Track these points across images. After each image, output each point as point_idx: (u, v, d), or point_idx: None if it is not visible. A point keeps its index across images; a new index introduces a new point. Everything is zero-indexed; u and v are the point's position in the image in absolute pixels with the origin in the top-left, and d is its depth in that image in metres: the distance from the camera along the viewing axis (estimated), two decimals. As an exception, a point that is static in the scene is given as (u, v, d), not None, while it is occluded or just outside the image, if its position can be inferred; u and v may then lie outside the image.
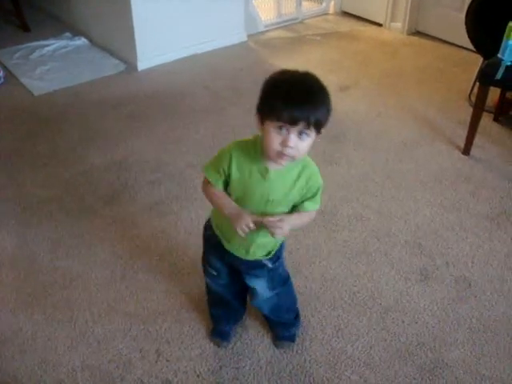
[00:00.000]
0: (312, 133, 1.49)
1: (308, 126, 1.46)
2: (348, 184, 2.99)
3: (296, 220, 1.69)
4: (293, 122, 1.45)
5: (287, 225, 1.61)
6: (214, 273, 1.96)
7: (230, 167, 1.64)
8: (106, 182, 3.02)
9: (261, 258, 1.81)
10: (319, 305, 2.27)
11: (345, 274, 2.42)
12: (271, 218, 1.61)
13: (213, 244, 1.88)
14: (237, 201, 1.68)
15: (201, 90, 4.01)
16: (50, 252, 2.55)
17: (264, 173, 1.61)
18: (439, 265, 2.47)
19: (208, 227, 1.89)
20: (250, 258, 1.80)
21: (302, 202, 1.68)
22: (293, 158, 1.52)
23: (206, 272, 2.01)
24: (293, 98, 1.44)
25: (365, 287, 2.36)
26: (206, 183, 1.73)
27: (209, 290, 2.09)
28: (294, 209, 1.70)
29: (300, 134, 1.47)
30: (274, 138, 1.49)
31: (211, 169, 1.69)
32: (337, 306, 2.27)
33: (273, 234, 1.61)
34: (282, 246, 1.87)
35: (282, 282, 1.98)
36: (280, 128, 1.47)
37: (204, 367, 2.03)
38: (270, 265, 1.84)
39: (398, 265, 2.47)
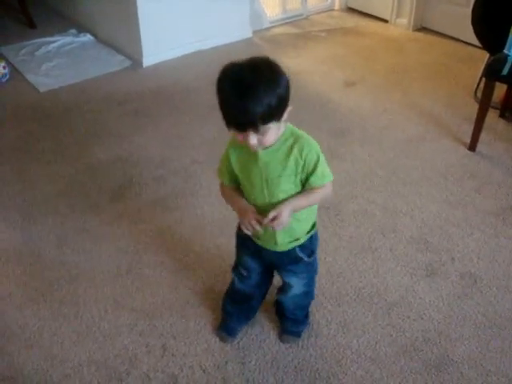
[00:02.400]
0: (271, 125, 1.50)
1: (257, 127, 1.47)
2: (353, 180, 2.99)
3: (300, 201, 1.68)
4: (241, 130, 1.50)
5: (284, 217, 1.63)
6: (245, 273, 1.97)
7: (230, 162, 1.72)
8: (111, 177, 3.03)
9: (293, 245, 1.80)
10: (325, 300, 2.27)
11: (350, 270, 2.42)
12: (266, 219, 1.64)
13: (246, 242, 1.89)
14: (247, 192, 1.73)
15: (206, 86, 3.98)
16: (56, 247, 2.56)
17: (254, 155, 1.63)
18: (445, 261, 2.47)
19: (240, 227, 1.87)
20: (283, 248, 1.80)
21: (308, 178, 1.66)
22: (260, 147, 1.57)
23: (235, 272, 2.02)
24: (232, 106, 1.47)
25: (370, 283, 2.36)
26: (221, 185, 1.81)
27: (232, 288, 2.09)
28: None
29: (257, 132, 1.49)
30: (238, 137, 1.55)
31: (220, 169, 1.78)
32: (342, 302, 2.27)
33: (274, 229, 1.66)
34: (314, 240, 1.87)
35: (314, 278, 2.01)
36: (238, 132, 1.52)
37: (210, 362, 2.03)
38: (305, 258, 1.85)
39: (404, 260, 2.47)
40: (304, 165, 1.63)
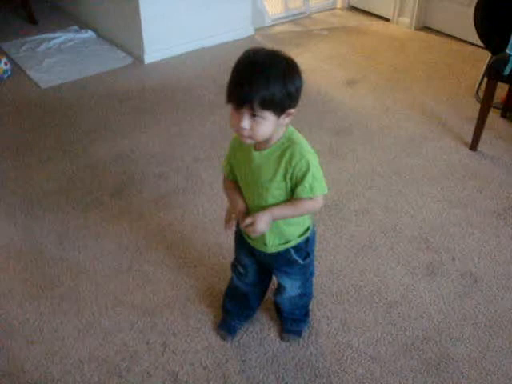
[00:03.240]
0: (268, 115, 1.48)
1: (253, 107, 1.45)
2: (354, 178, 2.99)
3: (282, 211, 1.66)
4: (239, 104, 1.47)
5: (259, 225, 1.62)
6: (242, 270, 1.98)
7: (230, 156, 1.74)
8: (112, 174, 3.03)
9: (284, 247, 1.79)
10: (325, 298, 2.28)
11: (351, 268, 2.42)
12: (242, 224, 1.65)
13: (242, 240, 1.89)
14: (242, 188, 1.74)
15: (208, 84, 4.01)
16: (57, 244, 2.56)
17: (250, 156, 1.63)
18: (445, 260, 2.47)
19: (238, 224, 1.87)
20: (273, 250, 1.79)
21: (295, 188, 1.62)
22: (251, 139, 1.54)
23: (233, 269, 2.03)
24: (238, 79, 1.46)
25: (371, 281, 2.36)
26: (224, 178, 1.81)
27: (231, 285, 2.10)
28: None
29: (254, 116, 1.48)
30: (232, 118, 1.53)
31: (225, 162, 1.78)
32: (343, 300, 2.27)
33: (249, 234, 1.68)
34: (310, 242, 1.84)
35: (311, 280, 2.00)
36: (235, 109, 1.50)
37: (210, 359, 2.03)
38: (300, 261, 1.84)
39: (404, 259, 2.47)
40: (293, 173, 1.59)
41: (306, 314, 2.15)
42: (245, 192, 1.73)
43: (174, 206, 2.79)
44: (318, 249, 2.47)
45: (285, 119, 1.54)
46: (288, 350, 2.07)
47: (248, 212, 1.71)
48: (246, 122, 1.49)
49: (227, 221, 1.76)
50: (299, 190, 1.60)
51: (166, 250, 2.51)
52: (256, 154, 1.62)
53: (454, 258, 2.48)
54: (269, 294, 2.16)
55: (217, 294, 2.25)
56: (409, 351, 2.06)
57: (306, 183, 1.58)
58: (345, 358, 2.04)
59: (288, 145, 1.59)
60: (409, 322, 2.18)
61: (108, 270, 2.42)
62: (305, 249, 1.83)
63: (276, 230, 1.72)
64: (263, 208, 1.66)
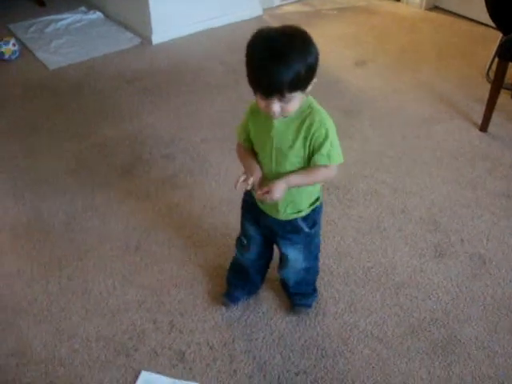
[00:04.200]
0: (297, 94, 1.50)
1: (283, 94, 1.46)
2: (363, 159, 2.97)
3: (298, 179, 1.67)
4: (268, 95, 1.49)
5: (276, 193, 1.63)
6: (245, 242, 1.99)
7: (248, 122, 1.73)
8: (120, 155, 3.03)
9: (294, 216, 1.80)
10: (333, 279, 2.27)
11: (359, 250, 2.42)
12: (259, 191, 1.66)
13: (249, 207, 1.90)
14: (259, 155, 1.74)
15: (216, 65, 3.98)
16: (65, 224, 2.56)
17: (270, 123, 1.63)
18: (454, 242, 2.46)
19: (247, 192, 1.88)
20: (284, 217, 1.80)
21: (313, 154, 1.63)
22: (282, 116, 1.56)
23: (237, 241, 2.06)
24: (260, 68, 1.46)
25: (378, 263, 2.35)
26: (238, 144, 1.80)
27: (234, 260, 2.13)
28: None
29: (281, 99, 1.49)
30: (261, 103, 1.54)
31: (239, 128, 1.77)
32: (350, 281, 2.27)
33: (264, 201, 1.68)
34: (317, 211, 1.86)
35: (315, 254, 2.00)
36: (264, 98, 1.51)
37: (217, 339, 2.04)
38: (306, 229, 1.84)
39: (413, 241, 2.46)
40: (311, 139, 1.61)
41: (314, 290, 2.15)
42: (261, 158, 1.73)
43: (181, 187, 2.78)
44: (326, 230, 2.47)
45: (309, 88, 1.55)
46: (295, 330, 2.07)
47: (264, 178, 1.71)
48: (276, 108, 1.51)
49: (242, 181, 1.69)
50: (317, 157, 1.62)
51: (174, 230, 2.51)
52: (276, 121, 1.61)
53: (462, 240, 2.47)
54: (276, 275, 2.15)
55: (224, 274, 2.24)
56: (416, 333, 2.06)
57: (324, 151, 1.61)
58: (351, 338, 2.04)
59: (309, 112, 1.61)
60: (416, 304, 2.17)
61: (116, 249, 2.42)
62: (312, 217, 1.84)
63: (289, 198, 1.73)
64: (280, 174, 1.66)
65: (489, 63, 3.76)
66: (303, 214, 1.81)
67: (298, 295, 2.13)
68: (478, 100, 3.42)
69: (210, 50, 4.22)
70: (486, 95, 3.15)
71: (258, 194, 1.68)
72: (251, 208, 1.88)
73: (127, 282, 2.27)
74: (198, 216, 2.59)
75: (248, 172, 1.70)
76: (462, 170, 2.90)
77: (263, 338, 2.04)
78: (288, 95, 1.47)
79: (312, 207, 1.82)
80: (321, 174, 1.68)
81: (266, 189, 1.64)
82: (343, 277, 2.29)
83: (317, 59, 1.50)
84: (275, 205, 1.76)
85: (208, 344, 2.02)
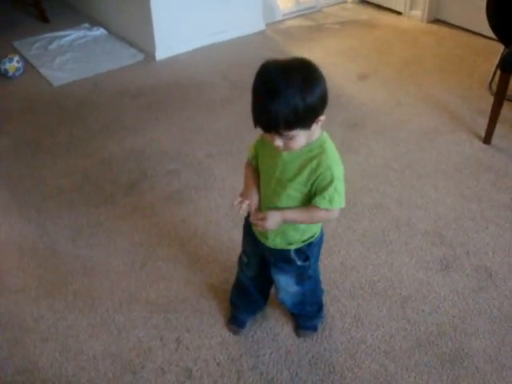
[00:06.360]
0: (297, 132, 1.47)
1: (279, 132, 1.46)
2: (367, 173, 2.98)
3: (295, 216, 1.66)
4: (266, 131, 1.49)
5: (269, 223, 1.63)
6: (245, 260, 1.98)
7: (259, 144, 1.72)
8: (125, 171, 3.03)
9: (283, 247, 1.79)
10: (339, 294, 2.27)
11: (364, 264, 2.41)
12: (253, 216, 1.67)
13: (247, 229, 1.90)
14: (260, 177, 1.74)
15: (219, 80, 4.00)
16: (71, 241, 2.57)
17: (279, 152, 1.61)
18: (459, 254, 2.45)
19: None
20: (272, 245, 1.79)
21: (315, 196, 1.61)
22: (288, 151, 1.56)
23: (239, 260, 2.04)
24: (258, 104, 1.46)
25: (384, 276, 2.35)
26: (247, 161, 1.80)
27: (236, 279, 2.11)
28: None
29: (280, 136, 1.48)
30: (266, 135, 1.53)
31: (252, 145, 1.76)
32: (356, 295, 2.26)
33: (255, 227, 1.70)
34: (313, 245, 1.82)
35: (309, 281, 1.96)
36: (264, 132, 1.52)
37: (224, 355, 2.03)
38: (298, 262, 1.82)
39: (418, 254, 2.46)
40: (315, 181, 1.59)
41: (320, 310, 2.13)
42: (262, 183, 1.73)
43: (186, 202, 2.79)
44: (331, 244, 2.47)
45: (316, 126, 1.54)
46: (302, 345, 2.07)
47: (260, 204, 1.72)
48: (278, 142, 1.51)
49: (236, 204, 1.68)
50: (318, 199, 1.60)
51: (179, 246, 2.52)
52: (286, 152, 1.60)
53: (468, 253, 2.46)
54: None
55: (230, 289, 2.24)
56: (423, 346, 2.05)
57: (327, 195, 1.58)
58: (359, 353, 2.04)
59: (318, 152, 1.58)
60: (423, 317, 2.17)
61: (121, 266, 2.43)
62: (306, 251, 1.81)
63: (279, 228, 1.70)
64: (275, 204, 1.66)
65: (491, 75, 3.77)
66: (294, 246, 1.78)
67: (302, 317, 2.12)
68: (481, 112, 3.42)
69: (214, 65, 4.24)
70: (489, 107, 3.16)
71: (251, 219, 1.69)
72: (249, 231, 1.87)
73: (133, 299, 2.27)
74: (204, 231, 2.60)
75: (245, 196, 1.70)
76: (467, 182, 2.90)
77: (270, 354, 2.04)
78: (286, 133, 1.46)
79: (305, 243, 1.79)
80: (319, 216, 1.66)
81: (261, 215, 1.65)
82: (349, 291, 2.28)
83: (321, 98, 1.48)
84: (265, 232, 1.76)
85: (215, 360, 2.02)
